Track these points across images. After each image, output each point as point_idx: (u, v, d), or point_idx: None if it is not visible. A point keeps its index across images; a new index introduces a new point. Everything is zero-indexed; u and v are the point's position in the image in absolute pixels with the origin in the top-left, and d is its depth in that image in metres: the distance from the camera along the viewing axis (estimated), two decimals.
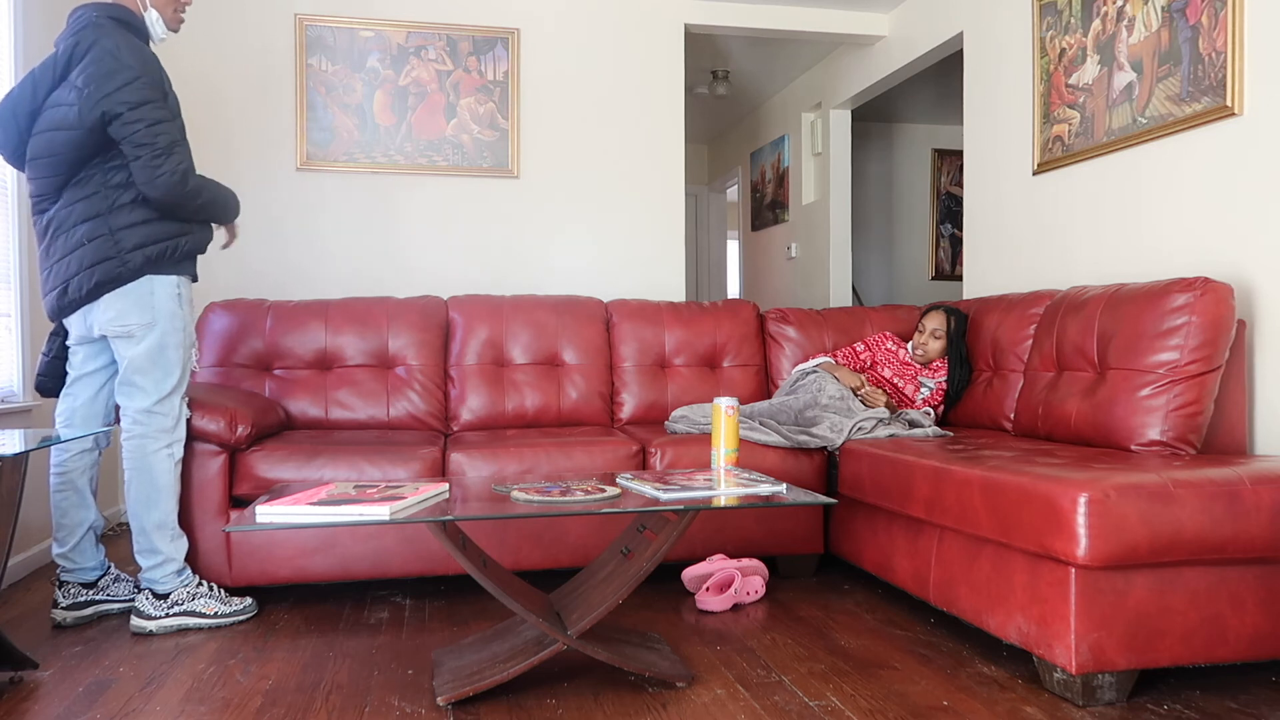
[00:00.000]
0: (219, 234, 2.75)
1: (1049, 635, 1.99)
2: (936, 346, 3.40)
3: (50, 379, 2.61)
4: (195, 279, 2.64)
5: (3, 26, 3.08)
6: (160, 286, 2.50)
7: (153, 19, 2.54)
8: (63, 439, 2.31)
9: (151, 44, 2.54)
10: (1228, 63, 2.65)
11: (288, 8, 4.09)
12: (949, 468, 2.33)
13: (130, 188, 2.43)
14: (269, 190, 4.07)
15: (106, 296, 2.46)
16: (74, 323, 2.53)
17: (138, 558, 2.52)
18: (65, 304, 2.48)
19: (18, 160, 2.53)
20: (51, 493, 2.56)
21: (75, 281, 2.44)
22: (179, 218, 2.50)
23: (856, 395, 3.23)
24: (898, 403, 3.39)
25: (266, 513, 1.82)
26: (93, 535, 2.60)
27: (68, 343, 2.57)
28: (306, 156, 4.09)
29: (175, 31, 2.61)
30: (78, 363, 2.59)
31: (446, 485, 2.17)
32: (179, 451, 2.56)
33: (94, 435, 2.59)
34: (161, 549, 2.51)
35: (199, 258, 2.69)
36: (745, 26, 4.64)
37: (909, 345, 3.50)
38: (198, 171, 2.60)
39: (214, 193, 2.56)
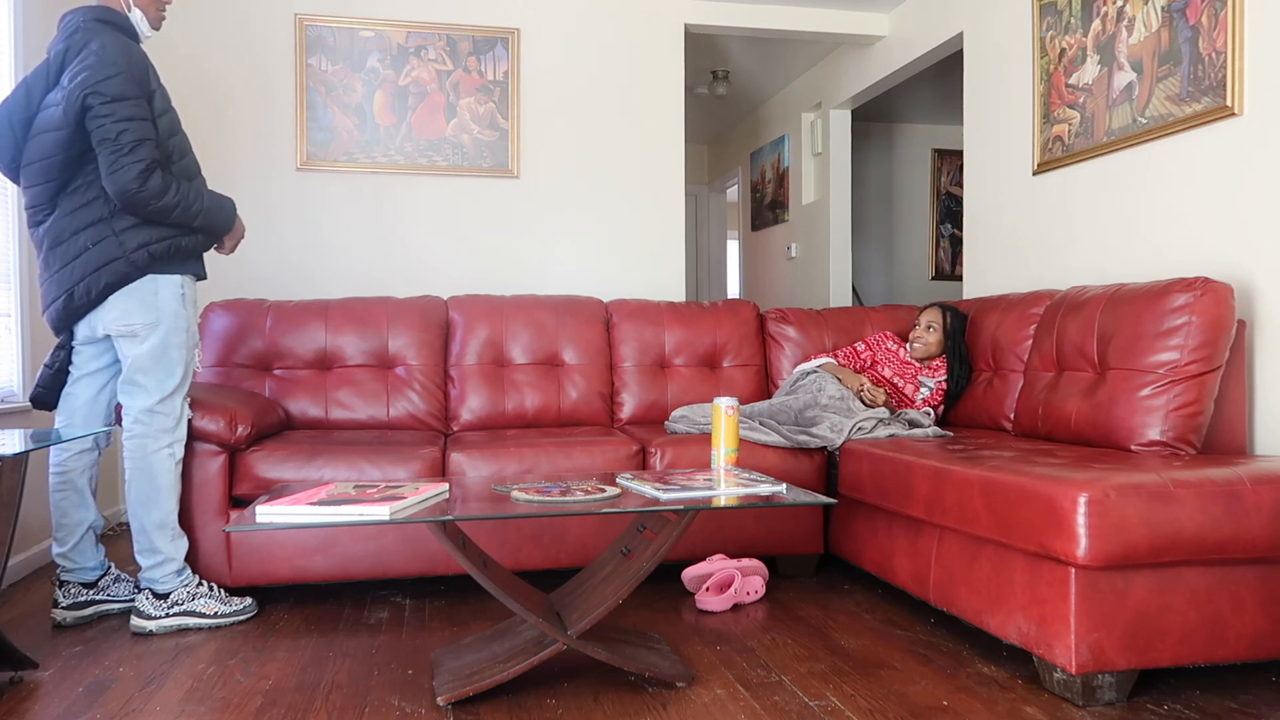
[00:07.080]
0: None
1: (1049, 635, 1.99)
2: (933, 339, 3.40)
3: (49, 392, 2.58)
4: (203, 277, 2.63)
5: (3, 28, 3.08)
6: (164, 286, 2.50)
7: (137, 18, 2.53)
8: (63, 438, 2.31)
9: (141, 42, 2.53)
10: (1228, 63, 2.65)
11: (288, 8, 4.09)
12: (949, 468, 2.33)
13: None
14: (269, 190, 4.07)
15: (112, 297, 2.45)
16: (79, 324, 2.53)
17: (138, 557, 2.52)
18: (73, 310, 2.46)
19: (13, 170, 2.50)
20: (51, 492, 2.56)
21: (82, 287, 2.43)
22: (165, 223, 2.45)
23: (857, 397, 3.23)
24: (897, 402, 3.39)
25: (266, 513, 1.82)
26: (92, 535, 2.60)
27: (73, 342, 2.57)
28: (306, 156, 4.10)
29: (157, 29, 2.60)
30: (81, 362, 2.58)
31: (446, 485, 2.17)
32: (180, 451, 2.56)
33: (94, 435, 2.58)
34: (162, 549, 2.51)
35: (205, 255, 2.68)
36: (745, 26, 4.64)
37: (908, 343, 3.50)
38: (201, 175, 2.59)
39: (192, 201, 2.47)
